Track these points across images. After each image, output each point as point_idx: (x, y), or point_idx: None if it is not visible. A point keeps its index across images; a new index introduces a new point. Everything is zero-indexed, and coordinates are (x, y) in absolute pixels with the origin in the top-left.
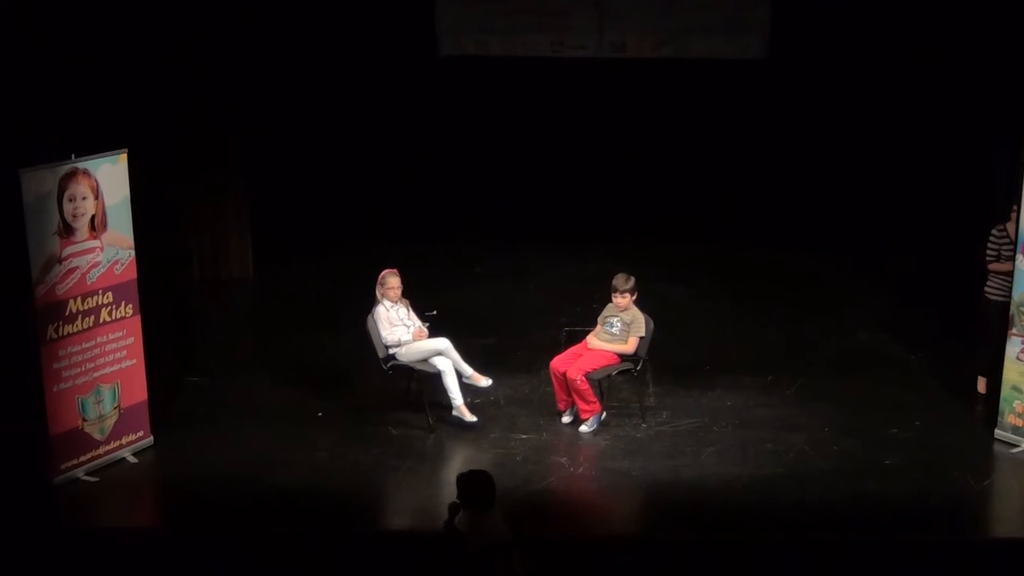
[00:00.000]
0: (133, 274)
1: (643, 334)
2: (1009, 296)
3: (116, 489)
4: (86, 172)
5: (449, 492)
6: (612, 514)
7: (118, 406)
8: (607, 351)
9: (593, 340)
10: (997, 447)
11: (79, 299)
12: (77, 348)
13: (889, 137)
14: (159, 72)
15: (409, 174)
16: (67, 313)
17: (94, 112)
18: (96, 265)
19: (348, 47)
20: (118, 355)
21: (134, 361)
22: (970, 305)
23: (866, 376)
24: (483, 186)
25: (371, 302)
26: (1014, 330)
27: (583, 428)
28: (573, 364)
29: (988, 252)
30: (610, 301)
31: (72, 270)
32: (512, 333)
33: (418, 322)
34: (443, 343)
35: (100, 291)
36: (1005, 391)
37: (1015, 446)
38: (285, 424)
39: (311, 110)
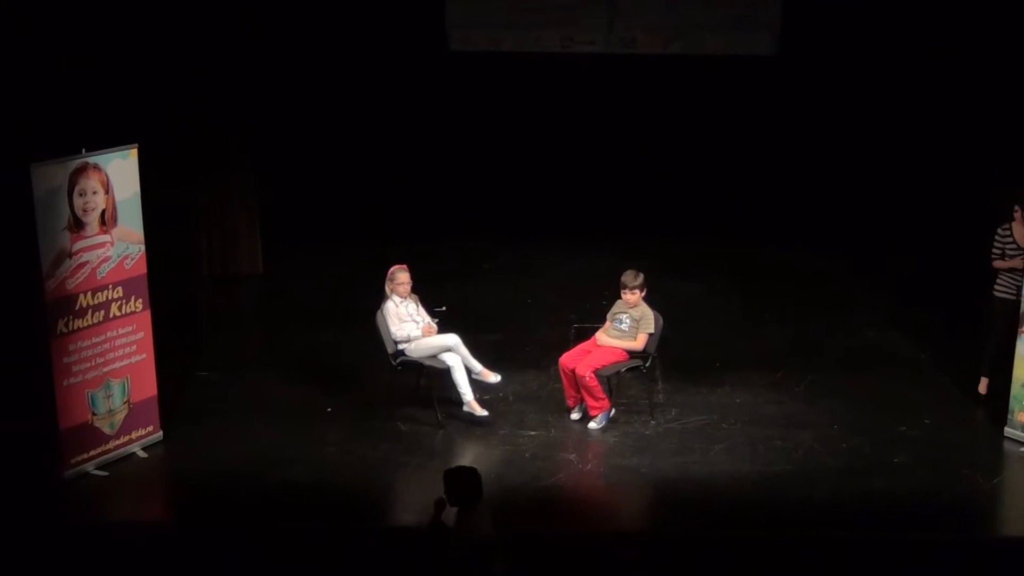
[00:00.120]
0: (143, 269)
1: (652, 331)
2: (1018, 295)
3: (126, 484)
4: (96, 167)
5: None
6: (620, 511)
7: (128, 401)
8: (616, 348)
9: (602, 337)
10: (1007, 445)
11: (89, 294)
12: (87, 343)
13: (898, 134)
14: (171, 69)
15: (419, 170)
16: (77, 308)
17: (105, 109)
18: (106, 260)
19: (358, 43)
20: (128, 350)
21: (144, 356)
22: (979, 303)
23: (875, 374)
24: (492, 182)
25: (380, 298)
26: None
27: (592, 425)
28: (582, 361)
29: (993, 251)
30: (619, 298)
31: (82, 265)
32: (521, 329)
33: (427, 318)
34: (452, 339)
35: (110, 286)
36: (1015, 389)
37: None
38: (294, 419)
39: (321, 107)
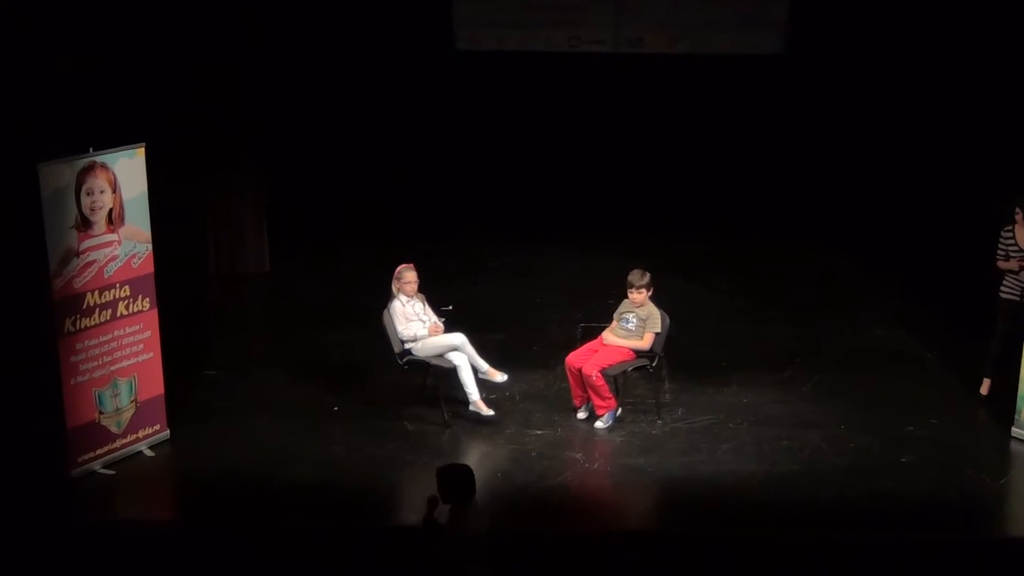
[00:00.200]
0: (150, 268)
1: (659, 330)
2: (1022, 296)
3: (132, 482)
4: (104, 166)
5: None
6: (627, 510)
7: (135, 399)
8: (623, 347)
9: (609, 336)
10: (1013, 445)
11: (96, 292)
12: (94, 341)
13: (905, 134)
14: (179, 69)
15: (425, 169)
16: (84, 306)
17: (113, 109)
18: (113, 259)
19: (365, 43)
20: (135, 348)
21: (151, 355)
22: (987, 302)
23: (882, 373)
24: (499, 181)
25: (387, 297)
26: None
27: (598, 424)
28: (589, 360)
29: (997, 253)
30: (626, 297)
31: (89, 263)
32: (527, 329)
33: (434, 317)
34: (459, 338)
35: (117, 285)
36: (1022, 389)
37: None
38: (301, 418)
39: (329, 106)
